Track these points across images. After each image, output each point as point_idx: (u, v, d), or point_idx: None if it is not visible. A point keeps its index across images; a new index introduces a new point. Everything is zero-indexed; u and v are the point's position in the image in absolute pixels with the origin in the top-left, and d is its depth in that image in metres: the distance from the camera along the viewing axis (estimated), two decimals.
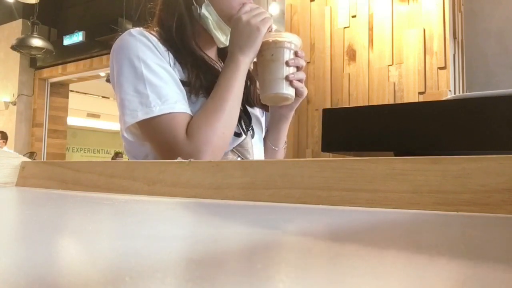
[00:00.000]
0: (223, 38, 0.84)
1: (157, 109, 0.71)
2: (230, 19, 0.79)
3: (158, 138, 0.73)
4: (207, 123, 0.72)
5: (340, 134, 0.54)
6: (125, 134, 0.75)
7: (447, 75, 2.15)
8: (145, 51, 0.74)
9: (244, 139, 0.82)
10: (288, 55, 0.77)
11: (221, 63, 0.91)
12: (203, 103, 0.76)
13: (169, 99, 0.72)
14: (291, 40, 0.77)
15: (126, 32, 0.78)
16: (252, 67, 0.82)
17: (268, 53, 0.77)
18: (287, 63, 0.76)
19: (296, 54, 0.77)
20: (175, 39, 0.79)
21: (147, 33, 0.77)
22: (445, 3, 2.18)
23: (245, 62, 0.76)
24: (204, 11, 0.80)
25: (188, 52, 0.79)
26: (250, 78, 0.80)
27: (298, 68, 0.78)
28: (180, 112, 0.72)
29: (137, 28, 0.78)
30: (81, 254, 0.19)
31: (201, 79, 0.78)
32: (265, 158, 0.91)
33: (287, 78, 0.76)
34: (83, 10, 5.25)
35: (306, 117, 2.55)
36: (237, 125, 0.79)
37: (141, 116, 0.71)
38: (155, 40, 0.76)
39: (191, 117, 0.74)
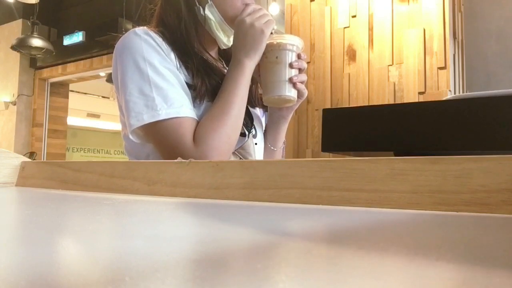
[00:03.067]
0: (225, 39, 0.83)
1: (163, 113, 0.70)
2: (234, 20, 0.78)
3: (164, 143, 0.73)
4: (213, 128, 0.71)
5: (340, 134, 0.54)
6: (130, 136, 0.74)
7: (447, 75, 2.15)
8: (150, 51, 0.73)
9: (246, 141, 0.82)
10: (291, 57, 0.77)
11: (222, 62, 0.91)
12: (208, 107, 0.76)
13: (175, 103, 0.71)
14: (295, 43, 0.77)
15: (130, 31, 0.77)
16: None
17: (272, 55, 0.77)
18: (290, 65, 0.76)
19: (299, 56, 0.78)
20: (179, 40, 0.79)
21: (152, 33, 0.76)
22: (445, 3, 2.18)
23: (250, 66, 0.76)
24: (207, 12, 0.79)
25: (193, 53, 0.79)
26: (252, 78, 0.80)
27: (300, 70, 0.78)
28: (186, 117, 0.72)
29: (142, 27, 0.77)
30: (81, 254, 0.19)
31: (206, 84, 0.77)
32: (263, 158, 0.91)
33: (290, 80, 0.76)
34: (83, 10, 5.24)
35: (306, 117, 2.55)
36: None
37: (147, 119, 0.70)
38: (160, 40, 0.75)
39: (197, 122, 0.73)
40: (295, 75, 0.77)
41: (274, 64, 0.77)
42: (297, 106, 0.86)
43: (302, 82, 0.79)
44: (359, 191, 0.34)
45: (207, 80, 0.77)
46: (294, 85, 0.77)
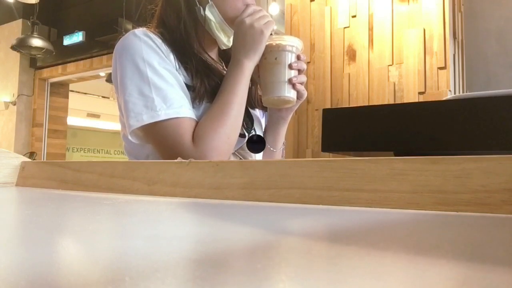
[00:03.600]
0: (225, 39, 0.84)
1: (163, 113, 0.70)
2: (234, 21, 0.79)
3: (163, 143, 0.73)
4: (212, 128, 0.71)
5: (340, 134, 0.54)
6: (129, 137, 0.75)
7: (447, 75, 2.15)
8: (149, 52, 0.73)
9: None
10: (291, 58, 0.77)
11: (222, 63, 0.91)
12: (208, 107, 0.76)
13: (174, 103, 0.71)
14: (294, 44, 0.77)
15: (130, 32, 0.77)
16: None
17: (271, 56, 0.77)
18: (290, 66, 0.76)
19: (298, 57, 0.78)
20: (179, 41, 0.79)
21: (151, 34, 0.76)
22: (445, 3, 2.18)
23: (249, 66, 0.76)
24: (207, 12, 0.79)
25: (192, 54, 0.79)
26: (252, 79, 0.80)
27: (300, 71, 0.78)
28: (186, 117, 0.72)
29: (141, 29, 0.78)
30: (81, 254, 0.19)
31: (206, 85, 0.77)
32: (263, 159, 0.91)
33: (290, 81, 0.76)
34: (83, 10, 5.24)
35: (306, 117, 2.54)
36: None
37: (146, 119, 0.70)
38: (159, 41, 0.76)
39: (196, 122, 0.73)
40: (295, 76, 0.77)
41: (273, 65, 0.77)
42: (296, 107, 0.86)
43: (301, 83, 0.79)
44: (359, 191, 0.34)
45: (206, 81, 0.77)
46: (294, 86, 0.77)
